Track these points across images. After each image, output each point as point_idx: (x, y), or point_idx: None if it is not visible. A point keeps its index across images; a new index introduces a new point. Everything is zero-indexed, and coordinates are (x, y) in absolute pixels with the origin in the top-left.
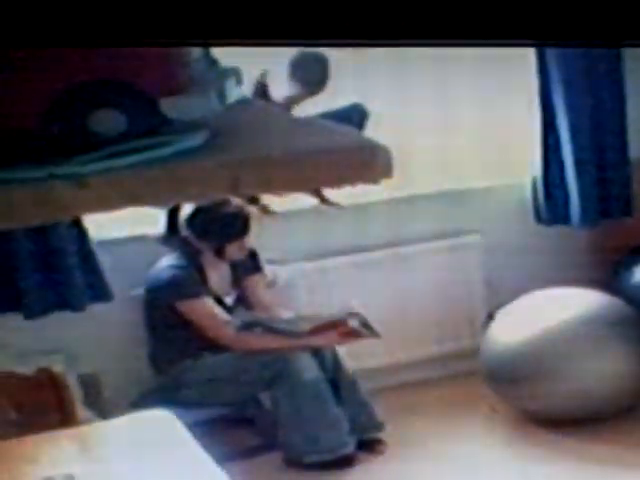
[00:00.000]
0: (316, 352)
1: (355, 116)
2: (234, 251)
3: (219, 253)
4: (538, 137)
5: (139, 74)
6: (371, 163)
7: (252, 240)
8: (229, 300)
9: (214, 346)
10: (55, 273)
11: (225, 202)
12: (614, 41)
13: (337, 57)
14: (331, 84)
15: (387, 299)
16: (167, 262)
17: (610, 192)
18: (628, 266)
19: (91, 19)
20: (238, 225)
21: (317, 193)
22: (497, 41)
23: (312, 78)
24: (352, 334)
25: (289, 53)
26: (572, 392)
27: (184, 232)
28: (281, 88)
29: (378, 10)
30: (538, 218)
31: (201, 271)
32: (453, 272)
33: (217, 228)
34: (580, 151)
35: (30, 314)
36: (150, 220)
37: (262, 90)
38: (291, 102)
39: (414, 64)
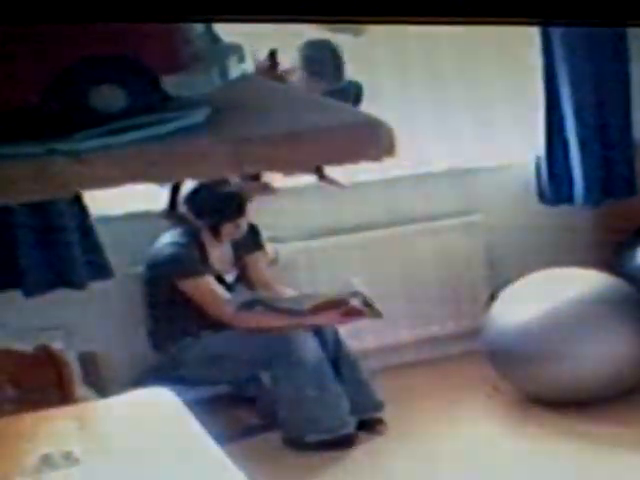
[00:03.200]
0: (317, 331)
1: (351, 92)
2: (230, 231)
3: (215, 232)
4: (542, 116)
5: (141, 51)
6: (374, 141)
7: (252, 218)
8: (230, 278)
9: (214, 324)
10: (55, 250)
11: (224, 182)
12: (619, 20)
13: (339, 31)
14: None
15: (389, 278)
16: (168, 239)
17: (614, 172)
18: (631, 246)
19: None
20: (233, 206)
21: (317, 170)
22: (501, 19)
23: (329, 71)
24: (354, 313)
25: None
26: (574, 373)
27: (182, 209)
28: (294, 76)
29: None
30: (542, 198)
31: (202, 248)
32: (455, 252)
33: (212, 207)
34: (584, 130)
35: (30, 291)
36: (151, 197)
37: (271, 69)
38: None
39: (417, 41)
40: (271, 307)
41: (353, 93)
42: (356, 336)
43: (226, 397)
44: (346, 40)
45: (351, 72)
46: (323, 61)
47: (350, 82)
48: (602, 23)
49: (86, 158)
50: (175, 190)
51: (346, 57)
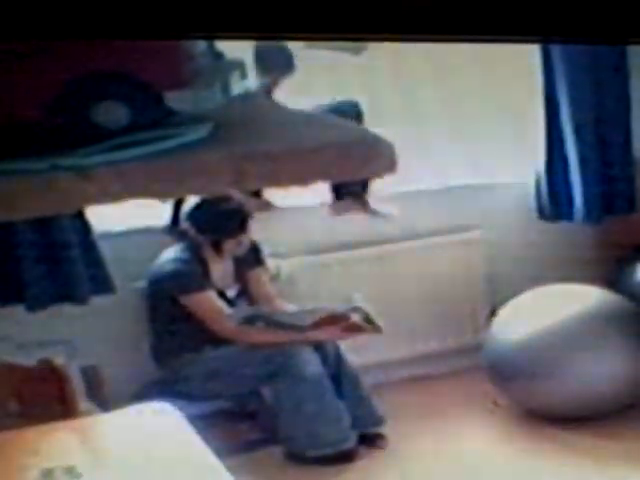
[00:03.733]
0: (318, 346)
1: (350, 111)
2: (231, 247)
3: (216, 248)
4: (542, 133)
5: (144, 67)
6: (375, 157)
7: (254, 234)
8: (231, 293)
9: (216, 339)
10: (58, 265)
11: (227, 198)
12: (619, 38)
13: (338, 50)
14: (333, 80)
15: (389, 294)
16: (170, 255)
17: (614, 188)
18: (631, 263)
19: (95, 11)
20: (235, 222)
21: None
22: (502, 37)
23: (279, 62)
24: (354, 329)
25: None
26: (574, 388)
27: (184, 225)
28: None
29: (382, 4)
30: (541, 214)
31: (204, 264)
32: (456, 268)
33: (214, 223)
34: (584, 147)
35: (32, 306)
36: (153, 212)
37: None
38: (268, 90)
39: (418, 58)
40: (272, 322)
41: (354, 113)
42: (357, 351)
43: (227, 412)
44: (346, 58)
45: (352, 91)
46: (271, 54)
47: (350, 102)
48: (602, 41)
49: (90, 174)
50: (177, 206)
51: (347, 76)
